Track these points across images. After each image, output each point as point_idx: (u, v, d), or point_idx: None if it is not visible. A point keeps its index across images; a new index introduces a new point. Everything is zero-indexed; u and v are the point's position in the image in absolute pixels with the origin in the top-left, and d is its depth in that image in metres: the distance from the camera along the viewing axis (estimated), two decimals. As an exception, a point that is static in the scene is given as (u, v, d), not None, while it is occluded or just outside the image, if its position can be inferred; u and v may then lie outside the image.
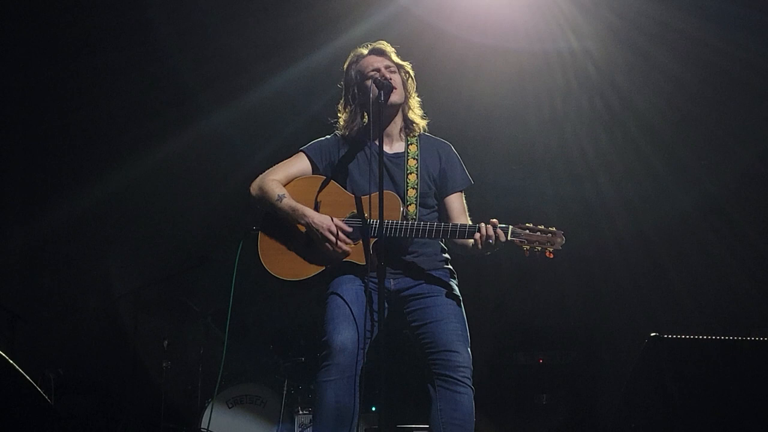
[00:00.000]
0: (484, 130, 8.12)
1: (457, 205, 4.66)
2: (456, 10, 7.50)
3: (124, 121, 8.23)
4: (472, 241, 4.34)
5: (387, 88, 4.37)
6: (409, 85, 4.65)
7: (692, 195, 7.91)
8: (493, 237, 4.20)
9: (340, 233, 4.34)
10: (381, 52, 4.66)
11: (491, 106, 8.07)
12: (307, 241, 4.44)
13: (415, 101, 4.69)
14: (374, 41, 4.73)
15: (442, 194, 4.67)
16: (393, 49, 4.69)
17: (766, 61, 7.26)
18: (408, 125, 4.68)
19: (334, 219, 4.38)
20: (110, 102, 8.11)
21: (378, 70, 4.55)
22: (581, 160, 8.23)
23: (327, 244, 4.34)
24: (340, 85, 4.73)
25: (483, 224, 4.24)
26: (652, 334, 3.85)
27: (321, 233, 4.34)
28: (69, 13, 7.56)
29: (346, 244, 4.35)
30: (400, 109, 4.64)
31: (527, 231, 4.22)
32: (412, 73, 4.69)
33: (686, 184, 7.94)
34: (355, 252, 4.38)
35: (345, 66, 4.72)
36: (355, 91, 4.61)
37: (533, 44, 7.69)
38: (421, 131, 4.70)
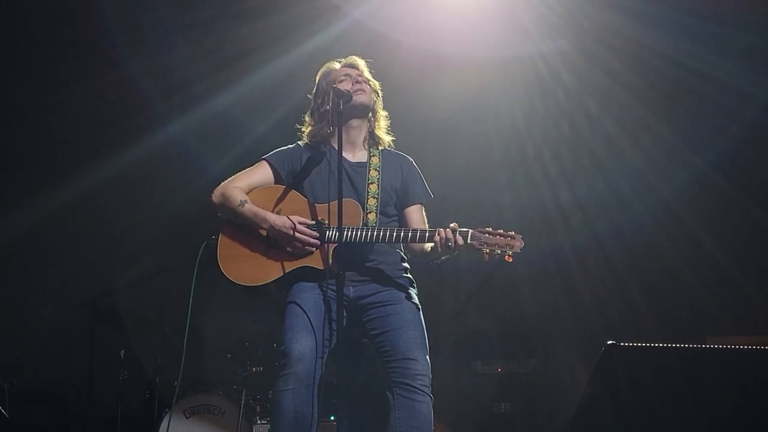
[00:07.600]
0: (443, 139, 8.15)
1: (417, 216, 4.72)
2: (414, 21, 7.52)
3: (83, 130, 8.12)
4: (429, 246, 4.37)
5: (346, 96, 4.41)
6: (377, 102, 4.74)
7: (647, 202, 8.01)
8: (452, 240, 4.23)
9: (303, 228, 4.35)
10: (353, 66, 4.76)
11: (450, 113, 8.11)
12: (267, 246, 4.44)
13: (382, 117, 4.77)
14: (330, 55, 4.86)
15: (402, 205, 4.72)
16: (365, 65, 4.78)
17: (719, 71, 7.38)
18: (373, 138, 4.75)
19: (296, 217, 4.39)
20: (68, 111, 7.99)
21: (348, 75, 4.65)
22: (538, 166, 8.29)
23: (292, 241, 4.35)
24: (310, 95, 4.77)
25: (441, 228, 4.27)
26: (609, 342, 3.88)
27: (284, 232, 4.35)
28: (25, 21, 7.46)
29: (313, 237, 4.35)
30: (366, 121, 4.70)
31: (487, 234, 4.26)
32: (379, 92, 4.77)
33: (641, 191, 8.03)
34: (314, 257, 4.39)
35: (317, 78, 4.81)
36: (323, 99, 4.64)
37: (491, 52, 7.75)
38: (386, 147, 4.76)
